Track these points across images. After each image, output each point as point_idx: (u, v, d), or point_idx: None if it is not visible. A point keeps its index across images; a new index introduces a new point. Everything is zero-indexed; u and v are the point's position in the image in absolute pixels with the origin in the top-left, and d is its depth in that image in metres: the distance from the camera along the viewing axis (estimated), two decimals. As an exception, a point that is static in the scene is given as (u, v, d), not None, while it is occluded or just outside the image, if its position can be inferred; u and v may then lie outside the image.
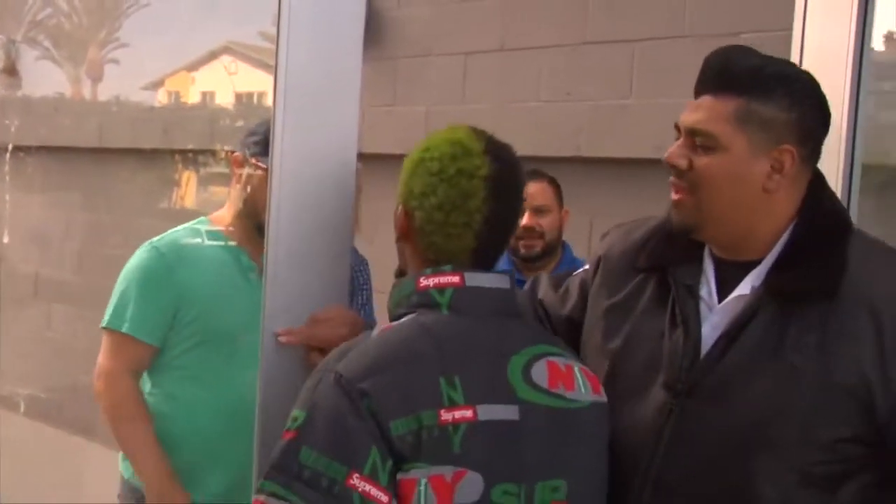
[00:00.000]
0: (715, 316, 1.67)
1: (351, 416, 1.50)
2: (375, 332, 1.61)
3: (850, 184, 2.09)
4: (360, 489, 1.47)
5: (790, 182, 1.65)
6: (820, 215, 1.67)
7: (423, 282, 1.62)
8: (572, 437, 1.63)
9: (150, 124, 6.96)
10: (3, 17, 7.29)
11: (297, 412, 1.53)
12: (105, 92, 7.56)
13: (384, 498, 1.48)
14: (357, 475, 1.48)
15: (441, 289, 1.62)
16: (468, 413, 1.53)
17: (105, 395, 2.54)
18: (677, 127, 1.69)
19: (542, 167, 3.28)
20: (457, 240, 1.63)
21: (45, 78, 7.46)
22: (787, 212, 1.66)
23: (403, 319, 1.61)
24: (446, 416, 1.52)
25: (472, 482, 1.52)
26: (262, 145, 2.45)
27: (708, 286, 1.70)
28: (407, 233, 1.67)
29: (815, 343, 1.58)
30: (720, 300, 1.68)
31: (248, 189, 2.52)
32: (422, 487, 1.50)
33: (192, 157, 6.58)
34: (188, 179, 6.86)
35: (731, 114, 1.62)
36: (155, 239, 2.57)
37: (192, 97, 8.11)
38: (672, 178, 1.69)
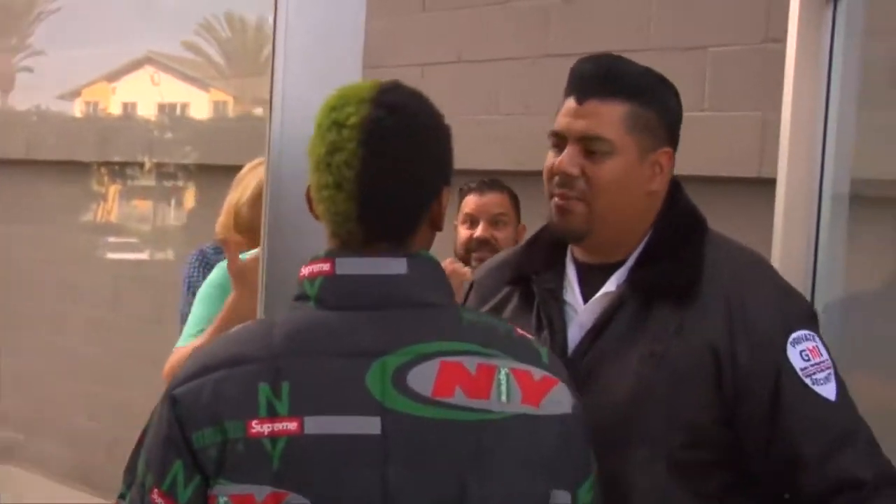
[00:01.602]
0: (581, 316, 1.71)
1: (165, 424, 1.39)
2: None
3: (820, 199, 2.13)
4: None
5: (665, 184, 1.73)
6: (678, 215, 1.74)
7: (302, 271, 1.44)
8: (469, 455, 1.36)
9: (71, 136, 6.74)
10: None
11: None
12: (23, 102, 7.31)
13: None
14: (157, 490, 1.38)
15: (312, 279, 1.42)
16: (291, 425, 1.33)
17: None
18: (557, 134, 1.70)
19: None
20: (332, 204, 1.41)
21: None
22: (656, 213, 1.73)
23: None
24: (259, 427, 1.34)
25: None
26: None
27: (573, 291, 1.74)
28: (312, 209, 1.48)
29: (673, 331, 1.64)
30: (586, 303, 1.73)
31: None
32: None
33: (117, 170, 6.39)
34: (114, 192, 6.67)
35: (621, 119, 1.66)
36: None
37: (113, 108, 7.89)
38: (557, 188, 1.68)
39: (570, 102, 1.69)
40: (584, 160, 1.66)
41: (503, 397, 1.38)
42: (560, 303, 1.73)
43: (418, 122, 1.42)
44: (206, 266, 2.95)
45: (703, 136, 3.57)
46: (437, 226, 1.47)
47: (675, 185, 1.77)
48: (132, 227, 6.53)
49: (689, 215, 1.75)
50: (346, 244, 1.43)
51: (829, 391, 1.64)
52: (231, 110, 7.28)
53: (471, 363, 1.38)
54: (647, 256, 1.71)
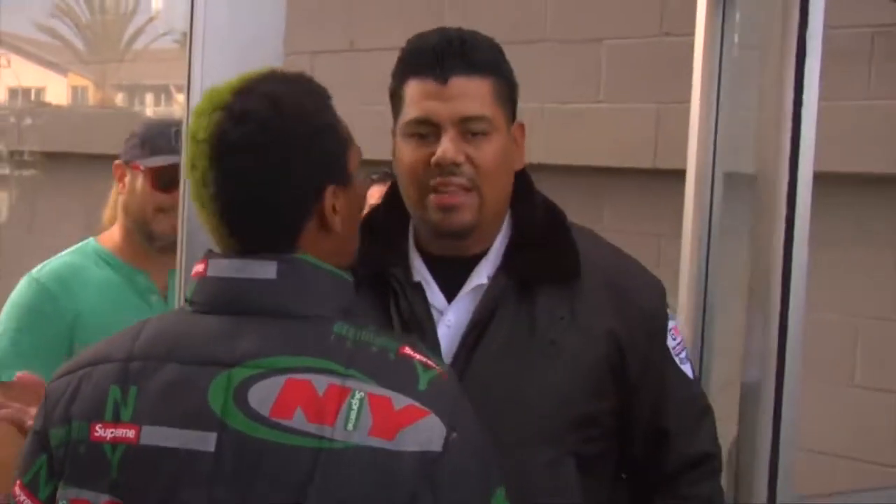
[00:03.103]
0: (450, 315, 1.58)
1: (38, 418, 1.37)
2: None
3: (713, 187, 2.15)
4: (18, 499, 1.35)
5: (522, 161, 1.62)
6: (536, 203, 1.64)
7: (192, 271, 1.37)
8: (296, 485, 1.22)
9: None
10: None
11: None
12: None
13: None
14: (19, 483, 1.35)
15: (193, 279, 1.35)
16: (130, 433, 1.26)
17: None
18: (420, 121, 1.53)
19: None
20: (202, 219, 1.35)
21: None
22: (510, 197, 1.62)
23: None
24: (102, 432, 1.28)
25: None
26: (139, 147, 2.29)
27: (429, 286, 1.60)
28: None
29: (568, 318, 1.57)
30: (447, 299, 1.60)
31: (133, 198, 2.26)
32: None
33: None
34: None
35: (489, 93, 1.55)
36: (34, 270, 2.27)
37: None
38: (440, 179, 1.52)
39: (429, 85, 1.53)
40: (465, 144, 1.52)
41: (349, 425, 1.23)
42: (426, 300, 1.59)
43: (269, 130, 1.30)
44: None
45: (599, 127, 3.61)
46: (327, 227, 1.34)
47: (524, 174, 1.65)
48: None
49: (546, 203, 1.66)
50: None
51: (688, 369, 1.67)
52: (91, 96, 6.99)
53: (321, 383, 1.24)
54: (517, 245, 1.60)
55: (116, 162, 2.31)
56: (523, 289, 1.58)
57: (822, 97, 1.68)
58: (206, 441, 1.24)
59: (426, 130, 1.54)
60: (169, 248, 2.10)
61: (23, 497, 1.34)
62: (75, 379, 1.34)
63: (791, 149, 1.65)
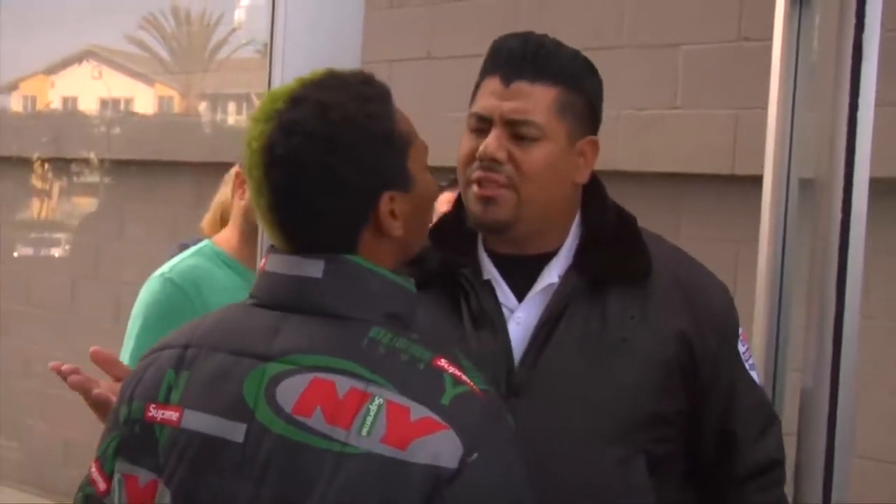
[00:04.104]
0: (520, 313, 1.60)
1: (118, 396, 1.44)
2: None
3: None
4: (90, 470, 1.41)
5: (588, 174, 1.64)
6: (608, 208, 1.66)
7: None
8: (306, 484, 1.22)
9: (11, 130, 6.57)
10: None
11: None
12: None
13: (101, 485, 1.39)
14: (95, 460, 1.41)
15: (259, 273, 1.40)
16: (174, 415, 1.32)
17: None
18: (481, 117, 1.58)
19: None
20: (261, 223, 1.39)
21: None
22: (578, 205, 1.66)
23: None
24: (154, 412, 1.33)
25: (163, 497, 1.30)
26: None
27: (499, 285, 1.61)
28: None
29: (639, 318, 1.58)
30: (517, 297, 1.61)
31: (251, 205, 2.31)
32: (115, 484, 1.37)
33: (61, 166, 6.24)
34: (58, 189, 6.52)
35: (552, 103, 1.56)
36: (165, 269, 2.33)
37: (53, 102, 7.74)
38: (480, 173, 1.56)
39: (495, 83, 1.57)
40: (511, 145, 1.55)
41: (364, 430, 1.22)
42: (496, 298, 1.60)
43: (317, 142, 1.30)
44: None
45: (677, 133, 3.59)
46: (384, 232, 1.34)
47: (596, 180, 1.67)
48: (75, 224, 6.38)
49: (617, 208, 1.67)
50: None
51: (756, 376, 1.69)
52: (177, 106, 7.14)
53: (343, 385, 1.24)
54: (588, 245, 1.62)
55: (236, 169, 2.37)
56: (595, 288, 1.59)
57: (881, 101, 1.66)
58: (236, 431, 1.27)
59: (481, 126, 1.58)
60: None
61: (93, 469, 1.41)
62: (145, 362, 1.40)
63: (847, 153, 1.63)
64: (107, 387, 1.57)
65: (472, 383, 1.28)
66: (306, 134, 1.30)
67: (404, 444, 1.21)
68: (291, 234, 1.34)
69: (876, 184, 1.68)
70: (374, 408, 1.23)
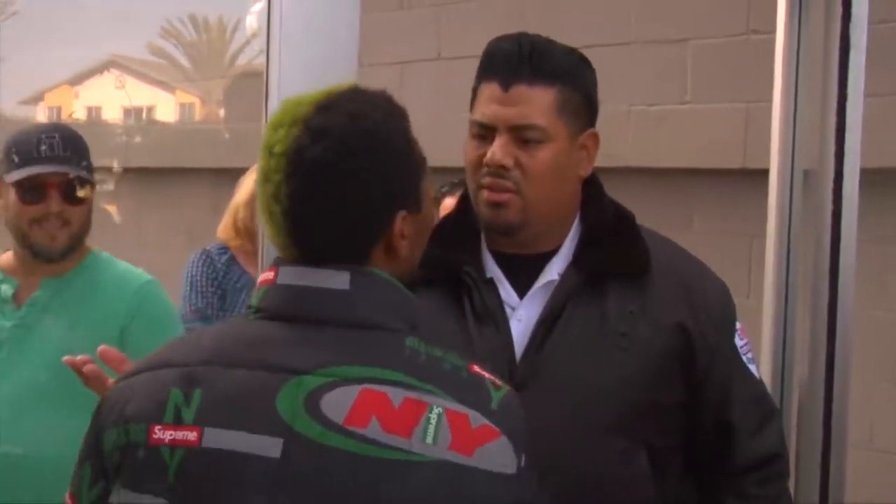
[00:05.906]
0: (521, 310, 1.64)
1: (90, 424, 1.35)
2: None
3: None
4: None
5: (591, 167, 1.66)
6: (605, 203, 1.69)
7: (259, 278, 1.38)
8: (368, 495, 1.21)
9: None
10: None
11: None
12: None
13: None
14: (70, 491, 1.35)
15: (261, 286, 1.34)
16: (191, 435, 1.24)
17: None
18: (479, 124, 1.60)
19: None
20: (269, 231, 1.33)
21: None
22: (580, 200, 1.68)
23: None
24: (161, 434, 1.25)
25: None
26: (6, 161, 2.18)
27: (501, 283, 1.65)
28: None
29: (638, 312, 1.61)
30: (518, 295, 1.64)
31: (8, 213, 2.17)
32: None
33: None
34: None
35: (552, 103, 1.59)
36: None
37: (77, 112, 7.81)
38: (489, 179, 1.59)
39: (494, 88, 1.59)
40: (516, 150, 1.58)
41: (429, 438, 1.21)
42: (499, 295, 1.64)
43: (349, 149, 1.28)
44: (210, 266, 3.01)
45: (687, 128, 3.59)
46: (393, 251, 1.33)
47: (594, 178, 1.70)
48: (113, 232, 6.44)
49: (615, 205, 1.70)
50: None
51: (755, 370, 1.71)
52: (198, 113, 7.21)
53: (397, 395, 1.23)
54: (587, 242, 1.65)
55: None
56: (594, 284, 1.62)
57: (869, 92, 1.66)
58: (271, 446, 1.22)
59: (485, 132, 1.60)
60: (57, 257, 2.12)
61: None
62: (130, 385, 1.33)
63: (836, 144, 1.63)
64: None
65: (504, 385, 1.31)
66: (339, 139, 1.28)
67: (470, 450, 1.22)
68: (304, 242, 1.31)
69: (868, 174, 1.69)
70: (434, 416, 1.23)
